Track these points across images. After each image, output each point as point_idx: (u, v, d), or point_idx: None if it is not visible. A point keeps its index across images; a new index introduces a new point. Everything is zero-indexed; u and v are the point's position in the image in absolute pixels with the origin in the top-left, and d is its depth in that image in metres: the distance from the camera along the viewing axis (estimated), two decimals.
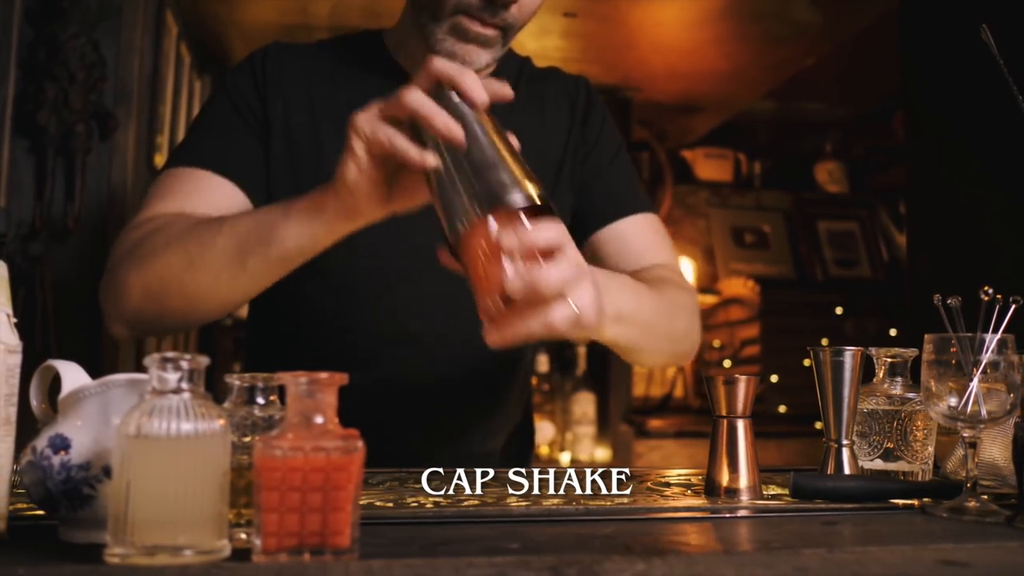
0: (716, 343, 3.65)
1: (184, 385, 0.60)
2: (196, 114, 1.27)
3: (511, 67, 1.28)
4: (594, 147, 1.30)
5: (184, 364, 0.60)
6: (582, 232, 1.27)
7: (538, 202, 0.75)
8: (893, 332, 3.41)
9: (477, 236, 0.74)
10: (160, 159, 2.37)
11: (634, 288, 1.02)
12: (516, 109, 1.18)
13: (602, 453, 3.28)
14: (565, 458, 3.20)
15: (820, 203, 4.06)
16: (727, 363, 3.57)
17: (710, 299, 3.74)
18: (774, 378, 3.39)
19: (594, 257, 1.27)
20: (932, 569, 0.61)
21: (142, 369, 0.62)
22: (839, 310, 3.50)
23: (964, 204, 1.42)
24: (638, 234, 1.26)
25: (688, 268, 3.76)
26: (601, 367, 3.29)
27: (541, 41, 2.99)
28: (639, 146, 3.71)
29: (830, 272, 3.89)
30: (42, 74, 1.89)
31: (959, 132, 1.45)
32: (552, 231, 0.76)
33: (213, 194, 1.09)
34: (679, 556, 0.60)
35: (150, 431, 0.57)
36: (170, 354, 0.60)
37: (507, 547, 0.65)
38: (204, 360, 0.61)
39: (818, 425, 3.39)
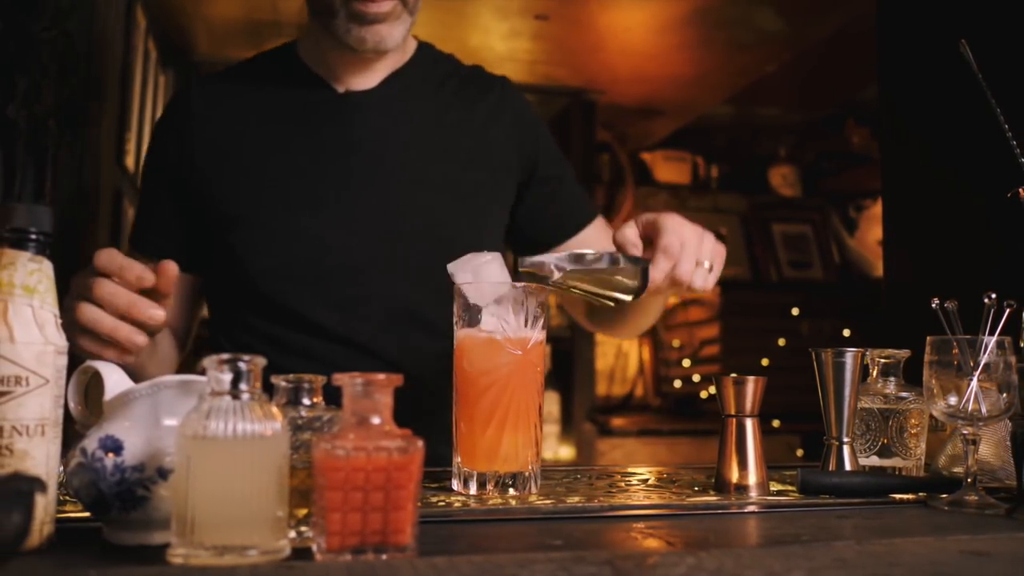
0: (676, 343, 3.71)
1: (242, 386, 0.60)
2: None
3: (443, 66, 1.35)
4: (543, 165, 1.37)
5: (242, 365, 0.60)
6: (545, 244, 1.38)
7: None
8: (847, 332, 3.51)
9: None
10: (129, 159, 2.33)
11: None
12: (452, 106, 1.30)
13: (566, 451, 3.31)
14: None
15: (774, 206, 4.15)
16: (686, 363, 3.63)
17: (670, 299, 3.81)
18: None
19: None
20: (959, 559, 0.64)
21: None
22: (795, 311, 3.58)
23: (940, 208, 1.48)
24: (598, 241, 1.38)
25: None
26: (565, 367, 3.32)
27: (511, 43, 3.01)
28: (601, 148, 3.76)
29: (784, 273, 3.98)
30: (13, 67, 1.84)
31: (935, 137, 1.51)
32: None
33: None
34: (726, 550, 0.62)
35: (213, 432, 0.58)
36: (227, 356, 0.60)
37: (551, 543, 0.67)
38: (261, 361, 0.61)
39: (776, 423, 3.47)
